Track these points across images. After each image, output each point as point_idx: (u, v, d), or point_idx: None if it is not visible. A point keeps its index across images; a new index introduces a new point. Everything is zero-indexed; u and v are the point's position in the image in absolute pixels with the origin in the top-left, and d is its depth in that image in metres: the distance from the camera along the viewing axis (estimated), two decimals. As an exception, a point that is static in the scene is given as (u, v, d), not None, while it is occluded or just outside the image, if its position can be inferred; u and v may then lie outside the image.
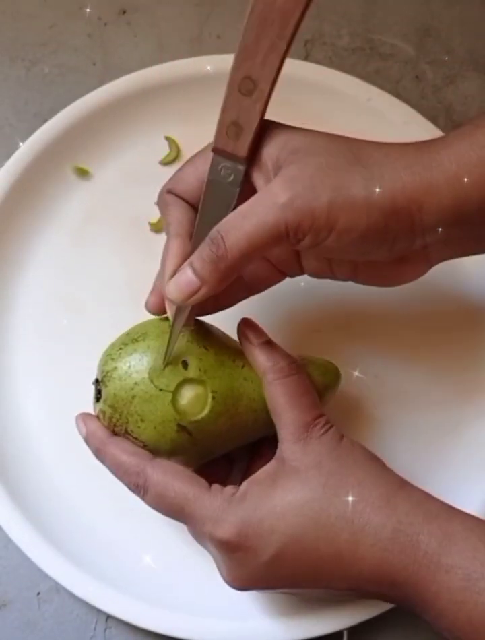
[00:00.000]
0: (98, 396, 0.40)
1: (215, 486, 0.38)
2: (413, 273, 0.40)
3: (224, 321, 0.42)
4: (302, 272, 0.42)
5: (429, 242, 0.37)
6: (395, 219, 0.35)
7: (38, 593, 0.47)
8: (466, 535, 0.35)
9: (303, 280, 0.46)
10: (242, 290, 0.42)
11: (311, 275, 0.42)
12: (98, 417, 0.40)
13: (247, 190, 0.37)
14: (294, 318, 0.49)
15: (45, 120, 0.50)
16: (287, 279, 0.43)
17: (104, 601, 0.44)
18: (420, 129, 0.49)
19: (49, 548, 0.45)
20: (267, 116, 0.37)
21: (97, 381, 0.40)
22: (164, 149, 0.52)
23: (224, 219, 0.36)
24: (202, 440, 0.39)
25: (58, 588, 0.47)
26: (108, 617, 0.46)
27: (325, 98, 0.50)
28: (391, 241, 0.36)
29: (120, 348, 0.40)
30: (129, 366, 0.39)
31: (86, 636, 0.46)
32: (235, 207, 0.36)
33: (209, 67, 0.50)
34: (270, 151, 0.36)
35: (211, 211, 0.37)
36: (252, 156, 0.37)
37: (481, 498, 0.46)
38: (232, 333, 0.42)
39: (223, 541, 0.36)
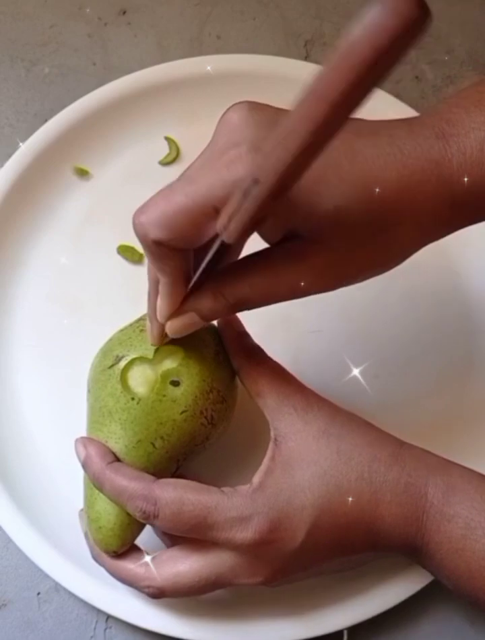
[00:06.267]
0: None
1: (227, 488, 0.38)
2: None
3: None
4: None
5: None
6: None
7: (38, 593, 0.47)
8: (464, 487, 0.37)
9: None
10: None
11: None
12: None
13: None
14: (294, 318, 0.49)
15: (45, 121, 0.51)
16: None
17: (104, 601, 0.44)
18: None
19: (49, 548, 0.45)
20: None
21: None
22: (163, 150, 0.52)
23: (248, 290, 0.35)
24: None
25: (58, 588, 0.47)
26: (108, 617, 0.46)
27: (324, 98, 0.50)
28: None
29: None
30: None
31: (86, 636, 0.46)
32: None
33: (209, 67, 0.50)
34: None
35: (215, 260, 0.35)
36: None
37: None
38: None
39: (256, 540, 0.36)
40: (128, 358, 0.40)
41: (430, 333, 0.49)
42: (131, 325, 0.42)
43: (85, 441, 0.40)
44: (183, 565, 0.38)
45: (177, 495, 0.37)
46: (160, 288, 0.36)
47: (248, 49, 0.54)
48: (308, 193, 0.32)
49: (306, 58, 0.54)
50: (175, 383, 0.39)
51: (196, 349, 0.40)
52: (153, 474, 0.39)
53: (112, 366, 0.40)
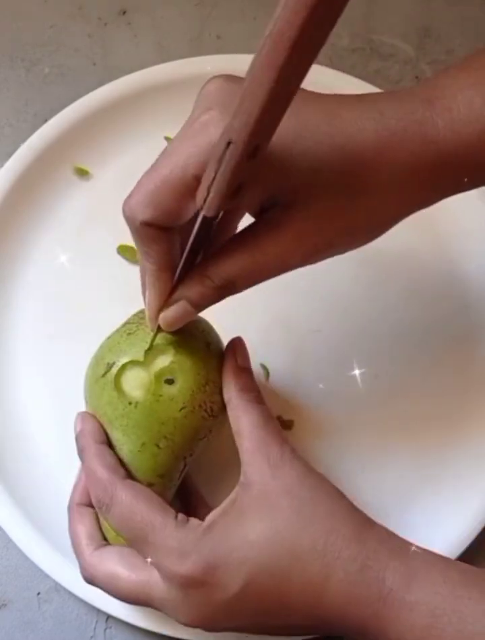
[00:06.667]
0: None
1: (182, 516, 0.37)
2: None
3: (223, 315, 0.42)
4: None
5: None
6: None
7: (38, 593, 0.47)
8: (427, 571, 0.34)
9: (303, 280, 0.46)
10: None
11: None
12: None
13: None
14: (294, 318, 0.49)
15: (45, 121, 0.51)
16: (287, 280, 0.43)
17: (104, 601, 0.44)
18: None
19: (49, 548, 0.45)
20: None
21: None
22: (164, 149, 0.52)
23: (233, 268, 0.34)
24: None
25: (58, 588, 0.47)
26: (108, 617, 0.46)
27: (325, 98, 0.50)
28: None
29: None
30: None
31: (86, 636, 0.46)
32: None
33: (209, 67, 0.50)
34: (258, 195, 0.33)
35: (200, 241, 0.34)
36: None
37: (481, 497, 0.46)
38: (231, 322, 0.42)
39: (187, 577, 0.35)
40: (120, 364, 0.39)
41: (431, 333, 0.49)
42: (117, 330, 0.42)
43: (84, 416, 0.41)
44: (123, 570, 0.38)
45: (132, 502, 0.37)
46: (147, 277, 0.36)
47: (248, 49, 0.54)
48: (283, 155, 0.32)
49: (306, 58, 0.54)
50: (170, 381, 0.39)
51: (186, 344, 0.39)
52: (162, 476, 0.39)
53: (104, 374, 0.40)
